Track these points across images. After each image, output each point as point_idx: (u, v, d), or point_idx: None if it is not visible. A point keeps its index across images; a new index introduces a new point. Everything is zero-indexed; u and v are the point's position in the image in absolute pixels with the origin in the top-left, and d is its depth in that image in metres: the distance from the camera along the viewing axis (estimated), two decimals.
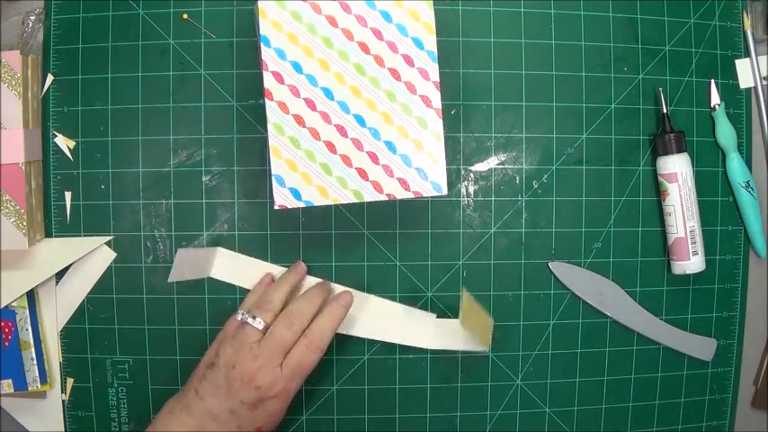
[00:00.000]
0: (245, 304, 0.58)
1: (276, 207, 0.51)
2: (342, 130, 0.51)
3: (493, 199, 0.63)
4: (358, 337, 0.62)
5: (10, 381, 0.59)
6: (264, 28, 0.50)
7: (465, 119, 0.63)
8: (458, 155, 0.63)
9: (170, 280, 0.58)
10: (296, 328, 0.55)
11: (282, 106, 0.51)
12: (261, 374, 0.53)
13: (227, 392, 0.53)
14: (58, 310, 0.61)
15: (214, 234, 0.62)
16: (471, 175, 0.63)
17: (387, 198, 0.52)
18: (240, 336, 0.54)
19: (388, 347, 0.63)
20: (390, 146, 0.52)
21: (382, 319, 0.62)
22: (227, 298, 0.61)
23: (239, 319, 0.56)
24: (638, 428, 0.66)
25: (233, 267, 0.61)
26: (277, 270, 0.62)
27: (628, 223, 0.64)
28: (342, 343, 0.62)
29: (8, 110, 0.57)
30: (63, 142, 0.61)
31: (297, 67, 0.51)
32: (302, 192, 0.51)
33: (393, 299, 0.63)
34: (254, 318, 0.55)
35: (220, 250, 0.61)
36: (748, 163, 0.66)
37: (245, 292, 0.61)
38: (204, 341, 0.61)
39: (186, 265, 0.59)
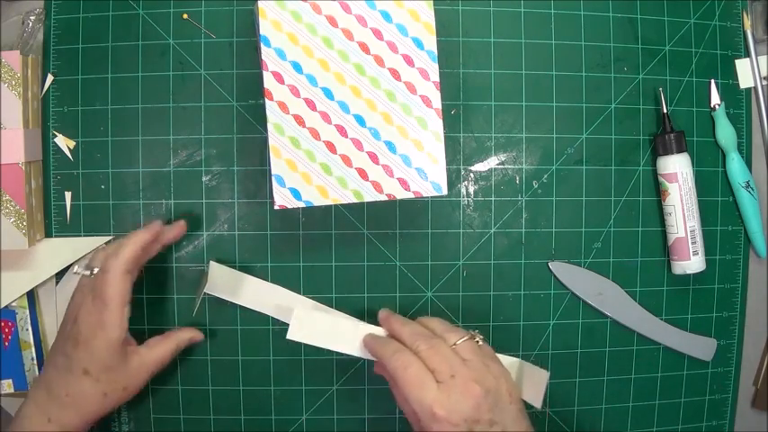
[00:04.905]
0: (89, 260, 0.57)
1: (276, 207, 0.51)
2: (342, 130, 0.51)
3: (493, 199, 0.63)
4: None
5: (10, 381, 0.59)
6: (264, 28, 0.50)
7: (465, 119, 0.63)
8: (458, 155, 0.63)
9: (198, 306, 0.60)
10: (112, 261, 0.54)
11: (282, 106, 0.51)
12: (81, 309, 0.53)
13: (61, 334, 0.55)
14: (58, 310, 0.61)
15: (214, 234, 0.62)
16: (471, 175, 0.63)
17: (387, 198, 0.52)
18: (78, 284, 0.55)
19: None
20: (390, 146, 0.52)
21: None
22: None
23: (74, 271, 0.56)
24: (638, 428, 0.65)
25: (227, 282, 0.61)
26: (277, 289, 0.62)
27: (628, 223, 0.64)
28: None
29: (8, 110, 0.57)
30: (63, 142, 0.61)
31: (297, 67, 0.51)
32: (302, 192, 0.51)
33: (393, 299, 0.63)
34: (89, 271, 0.54)
35: (214, 266, 0.60)
36: (748, 163, 0.66)
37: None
38: (204, 340, 0.61)
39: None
